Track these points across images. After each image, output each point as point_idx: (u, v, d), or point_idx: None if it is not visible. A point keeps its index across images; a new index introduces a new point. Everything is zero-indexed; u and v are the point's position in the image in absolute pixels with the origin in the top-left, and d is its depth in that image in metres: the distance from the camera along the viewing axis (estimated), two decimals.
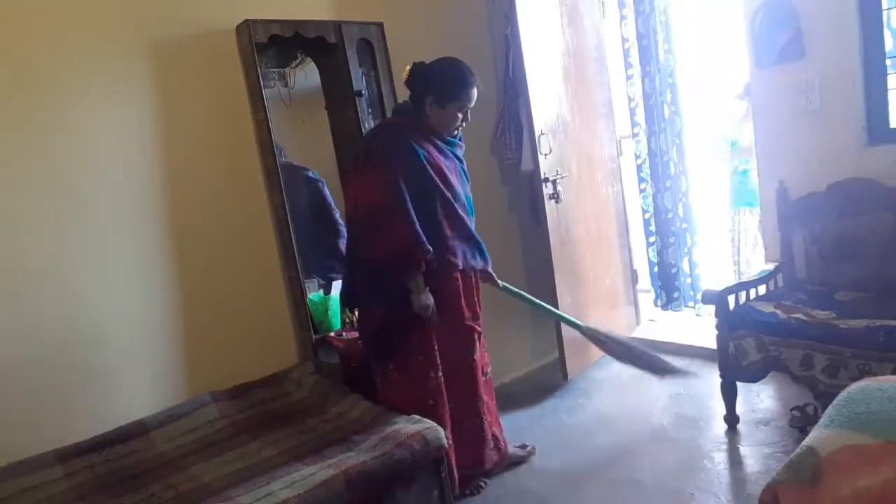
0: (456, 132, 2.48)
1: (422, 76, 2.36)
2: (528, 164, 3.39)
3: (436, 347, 2.40)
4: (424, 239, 2.25)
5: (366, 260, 2.36)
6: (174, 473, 2.11)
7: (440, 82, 2.35)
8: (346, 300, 2.61)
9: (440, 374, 2.41)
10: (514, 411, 3.18)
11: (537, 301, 2.79)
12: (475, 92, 2.39)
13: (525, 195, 3.63)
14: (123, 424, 2.35)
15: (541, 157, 3.16)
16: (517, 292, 2.72)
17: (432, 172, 2.32)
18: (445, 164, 2.40)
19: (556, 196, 3.22)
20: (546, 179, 3.18)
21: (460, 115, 2.40)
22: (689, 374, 2.94)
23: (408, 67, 2.37)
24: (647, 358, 2.76)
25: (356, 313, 2.64)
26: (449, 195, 2.37)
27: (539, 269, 3.30)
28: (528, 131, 3.26)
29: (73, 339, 2.35)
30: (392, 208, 2.24)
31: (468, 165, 2.58)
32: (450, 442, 2.33)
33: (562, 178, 3.25)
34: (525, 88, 3.12)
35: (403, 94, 3.02)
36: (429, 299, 2.33)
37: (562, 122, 3.35)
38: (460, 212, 2.41)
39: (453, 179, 2.41)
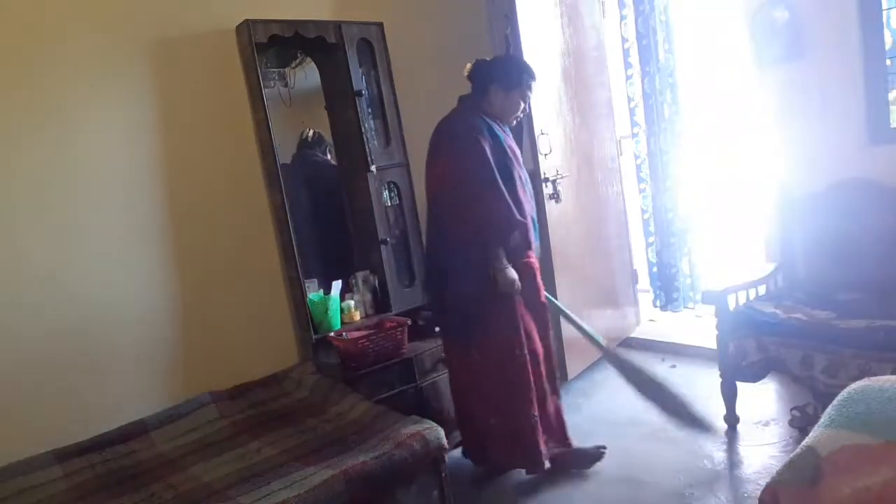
0: (513, 122, 2.57)
1: (486, 67, 2.48)
2: (527, 164, 3.38)
3: (521, 324, 2.43)
4: (515, 210, 2.34)
5: (457, 234, 2.37)
6: (174, 473, 2.11)
7: (506, 70, 2.48)
8: (430, 283, 2.63)
9: (525, 351, 2.43)
10: None
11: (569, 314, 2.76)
12: (534, 83, 2.52)
13: None
14: (123, 424, 2.36)
15: (540, 157, 3.16)
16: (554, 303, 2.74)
17: (509, 153, 2.42)
18: (515, 148, 2.50)
19: (555, 196, 3.21)
20: (546, 179, 3.18)
21: (522, 104, 2.50)
22: (709, 429, 2.58)
23: (469, 64, 2.50)
24: (673, 401, 2.58)
25: (434, 297, 2.64)
26: (521, 176, 2.45)
27: (540, 269, 3.29)
28: (527, 131, 3.26)
29: (73, 340, 2.35)
30: (485, 181, 2.31)
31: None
32: (537, 417, 2.44)
33: (562, 178, 3.25)
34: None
35: (403, 93, 3.04)
36: (514, 274, 2.36)
37: (562, 122, 3.35)
38: (529, 193, 2.50)
39: (521, 162, 2.51)
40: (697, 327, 3.64)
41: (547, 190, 3.19)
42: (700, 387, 3.08)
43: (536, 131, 3.15)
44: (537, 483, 2.53)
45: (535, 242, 2.53)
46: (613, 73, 3.75)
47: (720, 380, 2.67)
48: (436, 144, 2.46)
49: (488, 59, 2.52)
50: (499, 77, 2.44)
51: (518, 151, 2.51)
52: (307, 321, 2.75)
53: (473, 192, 2.30)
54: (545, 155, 3.19)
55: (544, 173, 3.18)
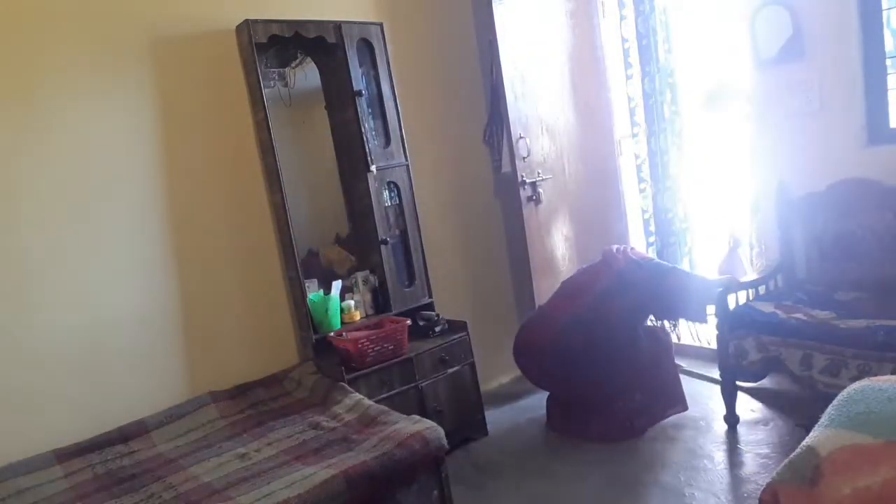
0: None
1: None
2: (505, 167, 3.38)
3: None
4: None
5: None
6: (174, 473, 2.11)
7: None
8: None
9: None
10: (514, 413, 3.18)
11: None
12: None
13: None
14: (123, 424, 2.36)
15: (519, 161, 3.17)
16: None
17: None
18: None
19: (535, 198, 3.23)
20: (523, 182, 3.19)
21: None
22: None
23: None
24: None
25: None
26: None
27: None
28: (506, 135, 3.25)
29: (74, 340, 2.35)
30: None
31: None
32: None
33: (543, 179, 3.26)
34: (502, 90, 3.11)
35: (403, 93, 3.04)
36: None
37: (561, 123, 3.34)
38: None
39: None
40: (697, 327, 3.63)
41: (525, 193, 3.21)
42: (700, 387, 3.09)
43: (514, 135, 3.17)
44: (536, 483, 2.53)
45: None
46: (613, 73, 3.75)
47: (720, 380, 2.67)
48: None
49: None
50: None
51: None
52: (307, 321, 2.75)
53: None
54: (524, 158, 3.19)
55: (522, 176, 3.20)
